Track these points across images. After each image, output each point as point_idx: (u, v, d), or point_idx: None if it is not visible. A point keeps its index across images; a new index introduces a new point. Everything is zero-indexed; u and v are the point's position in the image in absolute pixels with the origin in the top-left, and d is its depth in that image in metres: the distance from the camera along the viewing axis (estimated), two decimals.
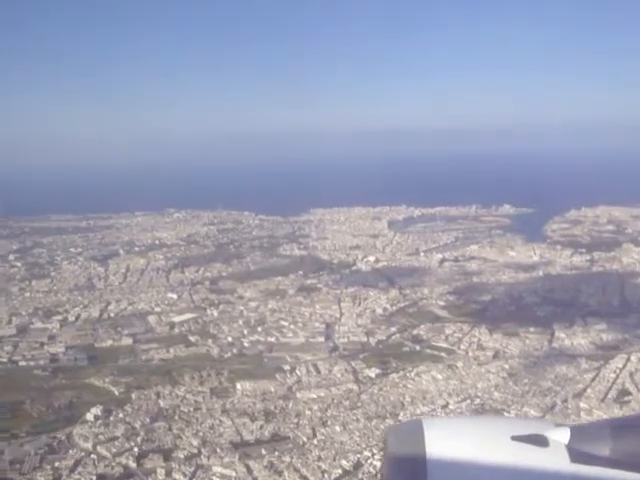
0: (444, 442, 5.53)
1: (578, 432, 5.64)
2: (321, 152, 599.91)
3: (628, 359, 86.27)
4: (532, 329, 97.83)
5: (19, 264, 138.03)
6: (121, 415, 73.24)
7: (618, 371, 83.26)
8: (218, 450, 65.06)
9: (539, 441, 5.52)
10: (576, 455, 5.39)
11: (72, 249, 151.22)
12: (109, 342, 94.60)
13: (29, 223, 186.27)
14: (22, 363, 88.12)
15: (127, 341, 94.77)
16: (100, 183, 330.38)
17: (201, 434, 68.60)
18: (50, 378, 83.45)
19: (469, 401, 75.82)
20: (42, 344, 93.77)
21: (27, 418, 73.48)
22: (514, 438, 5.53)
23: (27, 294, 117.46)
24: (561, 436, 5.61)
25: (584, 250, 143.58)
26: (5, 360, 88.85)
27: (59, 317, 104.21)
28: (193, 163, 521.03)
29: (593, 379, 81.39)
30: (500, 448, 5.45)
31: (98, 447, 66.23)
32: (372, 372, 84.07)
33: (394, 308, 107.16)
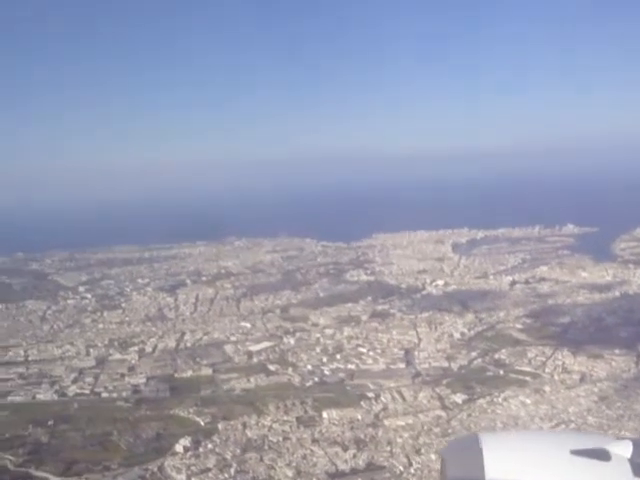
0: (502, 458, 5.34)
1: None
2: (366, 177, 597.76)
3: None
4: (617, 351, 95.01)
5: (89, 295, 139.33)
6: (210, 446, 72.64)
7: None
8: None
9: (600, 455, 5.30)
10: (639, 469, 5.19)
11: (139, 280, 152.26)
12: (189, 372, 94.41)
13: (93, 255, 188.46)
14: (104, 395, 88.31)
15: (207, 371, 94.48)
16: (155, 213, 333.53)
17: (294, 464, 67.64)
18: (134, 409, 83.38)
19: (563, 426, 73.48)
20: (122, 375, 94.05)
21: (116, 450, 73.43)
22: (574, 452, 5.31)
23: (100, 325, 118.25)
24: (623, 450, 5.37)
25: None
26: (88, 392, 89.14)
27: (136, 348, 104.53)
28: (240, 189, 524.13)
29: None
30: (560, 463, 5.28)
31: (192, 479, 65.75)
32: (458, 398, 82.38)
33: (472, 332, 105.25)
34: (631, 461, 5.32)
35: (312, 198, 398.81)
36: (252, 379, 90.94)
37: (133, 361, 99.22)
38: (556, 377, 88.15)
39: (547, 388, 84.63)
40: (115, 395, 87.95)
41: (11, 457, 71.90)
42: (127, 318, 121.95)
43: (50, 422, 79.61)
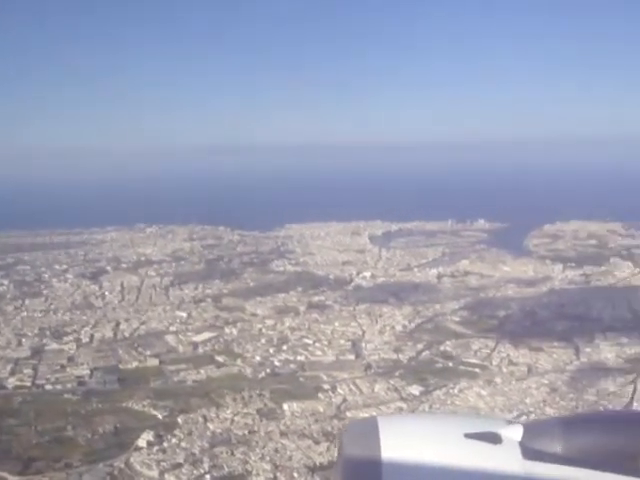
0: (399, 441, 5.47)
1: (530, 429, 5.71)
2: (271, 166, 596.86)
3: None
4: (555, 344, 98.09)
5: (5, 282, 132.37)
6: (175, 440, 70.29)
7: None
8: (296, 475, 62.91)
9: (492, 438, 5.50)
10: (528, 452, 5.43)
11: (57, 266, 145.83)
12: (134, 363, 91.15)
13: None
14: (48, 387, 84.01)
15: (153, 362, 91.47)
16: (60, 195, 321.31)
17: (268, 458, 66.27)
18: (84, 402, 79.61)
19: (525, 417, 75.06)
20: (63, 366, 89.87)
21: (74, 446, 69.94)
22: (467, 435, 5.51)
23: (24, 313, 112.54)
24: (514, 433, 5.66)
25: (574, 264, 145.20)
26: (29, 384, 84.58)
27: (71, 337, 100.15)
28: (157, 176, 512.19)
29: (634, 392, 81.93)
30: (454, 445, 5.44)
31: (166, 475, 63.40)
32: (415, 390, 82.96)
33: (412, 325, 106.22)
34: (521, 444, 5.53)
35: (214, 185, 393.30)
36: (202, 370, 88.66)
37: (71, 351, 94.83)
38: (504, 369, 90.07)
39: (498, 380, 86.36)
40: (60, 387, 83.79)
41: None
42: (52, 306, 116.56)
43: None
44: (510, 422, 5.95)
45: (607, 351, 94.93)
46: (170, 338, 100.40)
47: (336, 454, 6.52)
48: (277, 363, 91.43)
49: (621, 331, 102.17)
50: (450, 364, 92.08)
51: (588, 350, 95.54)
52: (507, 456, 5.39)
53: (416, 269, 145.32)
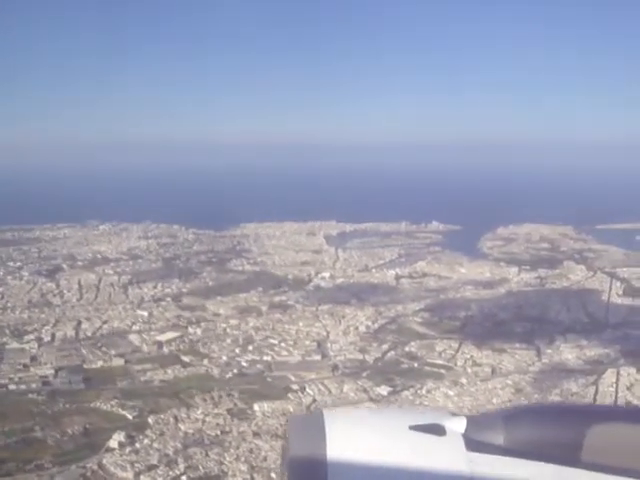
0: (344, 434, 5.56)
1: (474, 421, 5.80)
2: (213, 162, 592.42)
3: (619, 373, 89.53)
4: (517, 345, 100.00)
5: None
6: (147, 441, 69.65)
7: (614, 385, 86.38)
8: (274, 475, 62.91)
9: (436, 430, 5.64)
10: (471, 443, 5.54)
11: (10, 263, 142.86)
12: (99, 363, 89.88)
13: None
14: (12, 387, 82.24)
15: (118, 362, 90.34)
16: (10, 190, 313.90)
17: (243, 459, 66.16)
18: (50, 402, 78.17)
19: None
20: (25, 366, 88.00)
21: (44, 447, 68.72)
22: (412, 428, 5.62)
23: None
24: (457, 425, 5.75)
25: (528, 267, 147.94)
26: None
27: (32, 336, 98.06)
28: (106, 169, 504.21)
29: (596, 393, 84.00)
30: (398, 438, 5.55)
31: (141, 477, 62.82)
32: (383, 390, 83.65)
33: (376, 325, 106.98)
34: (464, 436, 5.62)
35: (168, 182, 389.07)
36: (169, 370, 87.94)
37: (33, 350, 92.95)
38: (469, 370, 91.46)
39: (464, 380, 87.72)
40: (24, 387, 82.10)
41: None
42: (9, 304, 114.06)
43: None
44: (454, 414, 6.01)
45: (568, 353, 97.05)
46: (134, 337, 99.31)
47: (282, 448, 6.68)
48: (244, 363, 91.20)
49: (580, 333, 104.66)
50: (416, 365, 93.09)
51: (549, 352, 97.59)
52: (450, 447, 5.48)
53: (374, 270, 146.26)
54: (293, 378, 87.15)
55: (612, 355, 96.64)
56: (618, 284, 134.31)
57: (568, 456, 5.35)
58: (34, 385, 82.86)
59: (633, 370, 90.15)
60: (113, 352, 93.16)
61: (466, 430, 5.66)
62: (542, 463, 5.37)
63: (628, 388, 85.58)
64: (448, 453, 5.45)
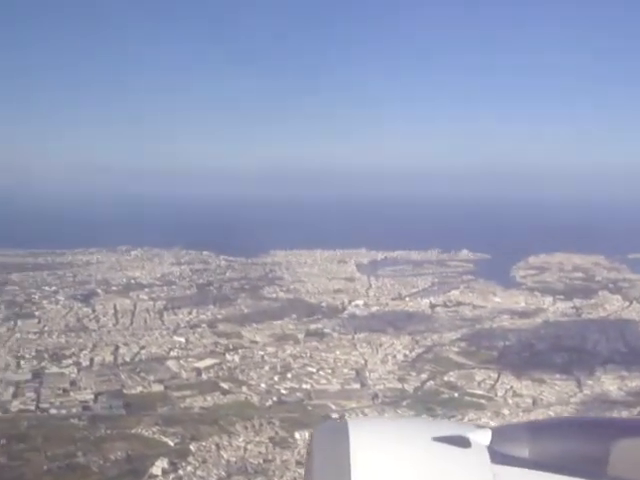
0: (368, 443, 5.51)
1: (499, 434, 5.71)
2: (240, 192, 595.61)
3: None
4: (557, 376, 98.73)
5: None
6: (189, 469, 69.37)
7: None
8: None
9: (460, 442, 5.56)
10: (496, 456, 5.47)
11: (46, 287, 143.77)
12: (138, 389, 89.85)
13: None
14: (53, 411, 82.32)
15: (157, 388, 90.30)
16: (42, 214, 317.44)
17: None
18: (91, 428, 78.04)
19: None
20: (65, 390, 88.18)
21: (87, 472, 68.72)
22: (436, 439, 5.55)
23: (17, 335, 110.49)
24: (482, 438, 5.66)
25: (562, 297, 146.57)
26: (33, 408, 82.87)
27: (70, 361, 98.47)
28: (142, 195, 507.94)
29: None
30: (422, 449, 5.48)
31: None
32: None
33: (413, 354, 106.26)
34: (489, 448, 5.53)
35: (193, 209, 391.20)
36: (208, 397, 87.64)
37: (73, 375, 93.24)
38: (510, 401, 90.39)
39: (505, 411, 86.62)
40: (64, 412, 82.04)
41: None
42: (46, 328, 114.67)
43: (2, 441, 73.42)
44: (479, 427, 5.98)
45: (609, 384, 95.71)
46: (172, 363, 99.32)
47: (305, 456, 6.63)
48: (283, 391, 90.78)
49: (620, 364, 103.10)
50: (456, 395, 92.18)
51: (590, 383, 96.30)
52: (475, 460, 5.42)
53: (407, 298, 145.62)
54: (333, 407, 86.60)
55: None
56: None
57: (594, 470, 5.28)
58: (74, 410, 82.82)
59: None
60: (152, 378, 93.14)
61: (491, 442, 5.60)
62: (568, 477, 5.30)
63: None
64: (472, 466, 5.40)
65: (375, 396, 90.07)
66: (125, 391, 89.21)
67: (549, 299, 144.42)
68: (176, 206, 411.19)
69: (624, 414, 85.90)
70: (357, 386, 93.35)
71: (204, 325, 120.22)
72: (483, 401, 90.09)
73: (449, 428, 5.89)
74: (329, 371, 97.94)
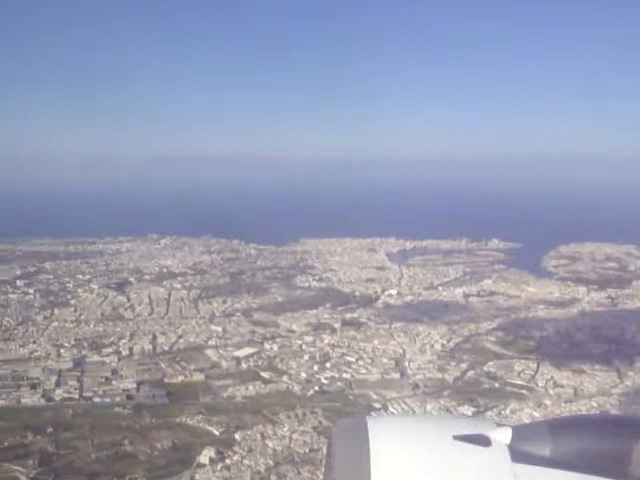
0: (388, 441, 5.51)
1: (519, 432, 5.73)
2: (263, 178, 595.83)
3: None
4: (597, 366, 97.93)
5: (31, 291, 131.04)
6: (236, 458, 69.48)
7: None
8: None
9: (481, 440, 5.55)
10: (517, 454, 5.47)
11: (79, 276, 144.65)
12: (179, 378, 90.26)
13: (14, 247, 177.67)
14: (97, 400, 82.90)
15: (198, 377, 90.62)
16: (71, 204, 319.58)
17: None
18: (136, 416, 78.59)
19: None
20: (107, 379, 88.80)
21: (135, 461, 69.07)
22: (456, 437, 5.53)
23: (55, 324, 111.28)
24: (503, 436, 5.67)
25: (596, 287, 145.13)
26: (76, 396, 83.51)
27: (110, 349, 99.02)
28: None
29: None
30: (442, 447, 5.47)
31: None
32: (466, 410, 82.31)
33: (451, 344, 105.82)
34: (510, 447, 5.55)
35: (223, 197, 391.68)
36: (250, 386, 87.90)
37: (113, 364, 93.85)
38: (551, 391, 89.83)
39: (547, 401, 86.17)
40: (108, 400, 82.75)
41: (21, 468, 66.03)
42: (82, 317, 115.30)
43: (49, 429, 73.93)
44: (499, 424, 5.95)
45: None
46: (211, 352, 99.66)
47: (325, 453, 6.64)
48: (324, 380, 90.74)
49: None
50: (496, 385, 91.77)
51: (630, 373, 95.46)
52: (495, 458, 5.41)
53: (440, 288, 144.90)
54: (375, 396, 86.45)
55: None
56: None
57: (614, 469, 5.28)
58: (118, 399, 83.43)
59: None
60: (192, 367, 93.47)
61: (512, 441, 5.61)
62: (588, 475, 5.29)
63: None
64: (493, 464, 5.40)
65: (416, 386, 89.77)
66: (166, 380, 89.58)
67: (583, 289, 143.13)
68: (203, 194, 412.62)
69: None
70: (397, 376, 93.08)
71: (239, 314, 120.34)
72: (524, 391, 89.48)
73: (470, 426, 5.88)
74: (368, 361, 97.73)
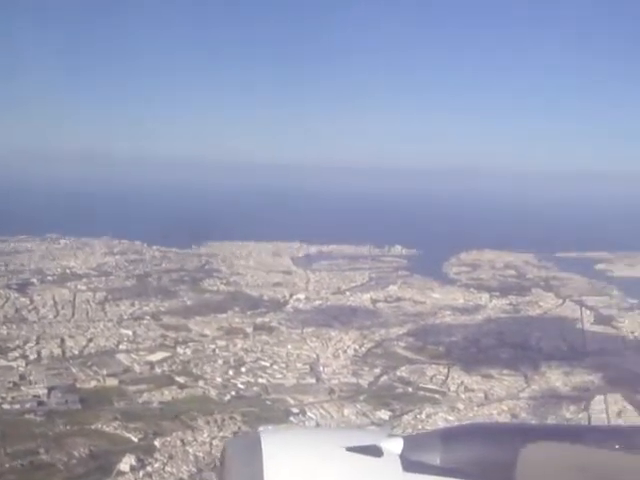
0: (282, 455, 5.47)
1: (411, 442, 5.83)
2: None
3: (606, 400, 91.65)
4: (504, 371, 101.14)
5: None
6: (158, 465, 68.41)
7: (604, 411, 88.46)
8: None
9: (373, 451, 5.63)
10: (408, 464, 5.58)
11: None
12: (92, 383, 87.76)
13: None
14: (6, 406, 79.69)
15: (112, 382, 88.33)
16: None
17: None
18: (49, 423, 75.89)
19: None
20: (16, 384, 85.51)
21: (53, 470, 66.87)
22: (349, 449, 5.62)
23: None
24: (395, 446, 5.75)
25: (498, 294, 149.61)
26: None
27: (16, 354, 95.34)
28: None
29: (589, 419, 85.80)
30: (335, 460, 5.53)
31: None
32: (383, 414, 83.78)
33: (363, 349, 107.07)
34: (401, 456, 5.60)
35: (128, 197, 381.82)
36: (165, 391, 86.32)
37: (21, 368, 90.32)
38: (462, 395, 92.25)
39: (460, 405, 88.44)
40: (18, 407, 79.60)
41: None
42: None
43: None
44: (391, 435, 5.92)
45: (555, 379, 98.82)
46: (122, 357, 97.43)
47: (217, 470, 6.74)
48: (240, 385, 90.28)
49: (562, 360, 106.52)
50: (410, 389, 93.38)
51: (536, 378, 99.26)
52: (387, 469, 5.41)
53: (348, 293, 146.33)
54: (292, 401, 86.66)
55: (596, 382, 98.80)
56: (587, 312, 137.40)
57: (502, 476, 5.35)
58: (28, 405, 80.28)
59: (619, 396, 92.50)
60: (105, 372, 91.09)
61: (403, 451, 5.59)
62: None
63: (618, 415, 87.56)
64: (384, 474, 5.41)
65: (332, 391, 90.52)
66: (79, 385, 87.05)
67: (486, 296, 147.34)
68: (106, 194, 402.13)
69: (572, 408, 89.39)
70: (313, 380, 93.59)
71: (148, 317, 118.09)
72: (437, 396, 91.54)
73: (362, 437, 5.83)
74: (283, 365, 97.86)
